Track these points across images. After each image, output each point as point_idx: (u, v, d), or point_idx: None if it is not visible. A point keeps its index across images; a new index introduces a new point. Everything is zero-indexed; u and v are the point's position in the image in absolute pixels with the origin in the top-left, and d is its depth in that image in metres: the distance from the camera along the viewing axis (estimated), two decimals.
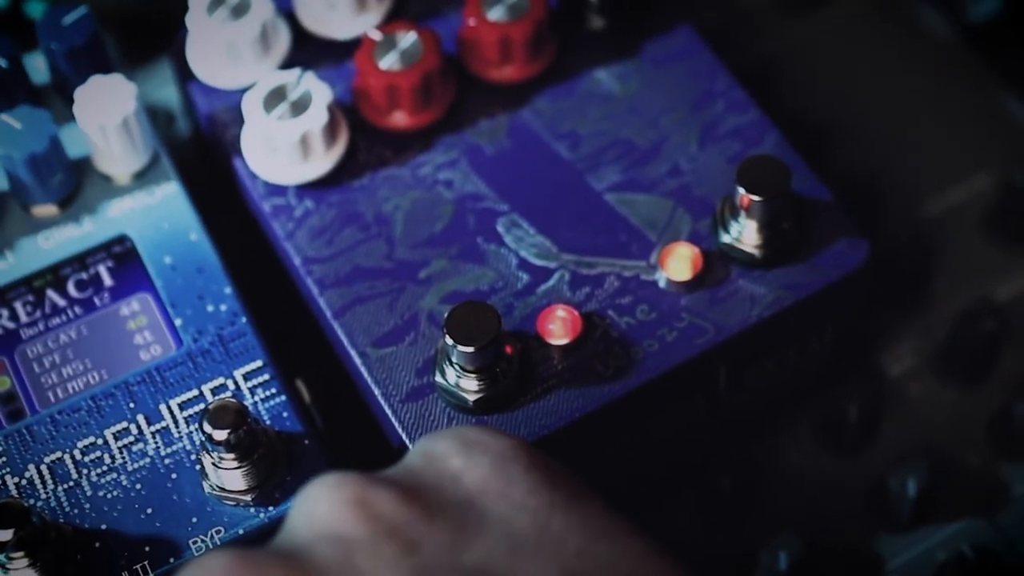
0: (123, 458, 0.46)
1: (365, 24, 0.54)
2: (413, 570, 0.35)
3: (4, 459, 0.46)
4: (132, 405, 0.47)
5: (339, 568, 0.35)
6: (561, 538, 0.36)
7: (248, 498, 0.45)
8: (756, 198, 0.47)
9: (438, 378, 0.46)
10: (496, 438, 0.39)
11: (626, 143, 0.52)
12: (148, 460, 0.46)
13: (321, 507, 0.37)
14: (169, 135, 0.60)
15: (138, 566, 0.44)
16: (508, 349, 0.46)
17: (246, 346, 0.48)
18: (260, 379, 0.48)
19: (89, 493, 0.46)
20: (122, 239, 0.51)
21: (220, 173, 0.54)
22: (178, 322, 0.49)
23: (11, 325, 0.49)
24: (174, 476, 0.46)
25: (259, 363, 0.48)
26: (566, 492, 0.38)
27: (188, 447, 0.46)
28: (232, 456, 0.44)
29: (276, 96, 0.50)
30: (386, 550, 0.36)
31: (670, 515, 0.52)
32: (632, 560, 0.36)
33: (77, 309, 0.49)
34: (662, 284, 0.49)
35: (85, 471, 0.46)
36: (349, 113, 0.52)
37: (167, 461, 0.46)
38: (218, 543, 0.44)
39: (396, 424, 0.46)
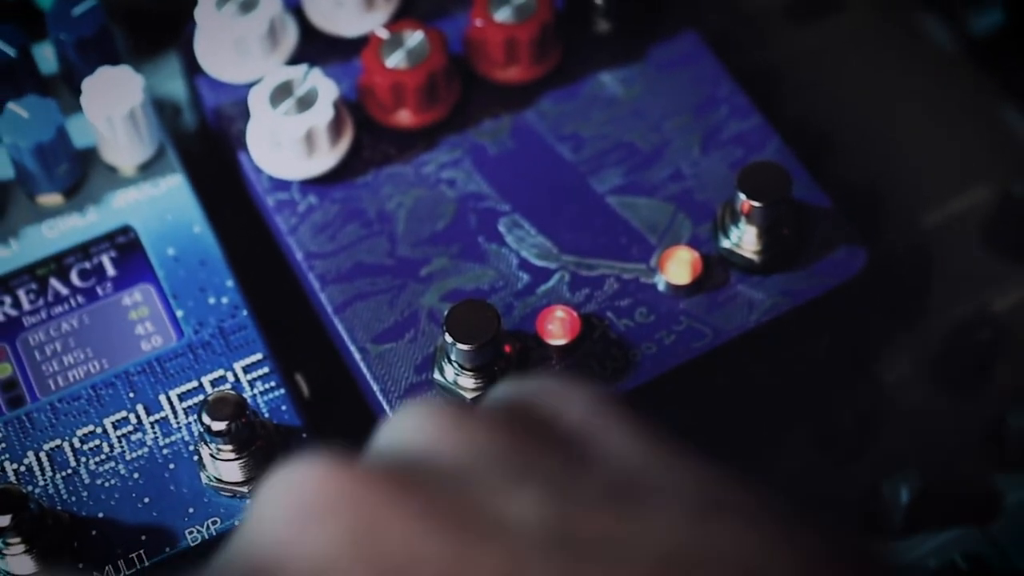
0: (122, 447, 0.46)
1: (373, 22, 0.54)
2: (535, 488, 0.32)
3: (3, 445, 0.46)
4: (132, 395, 0.47)
5: (450, 484, 0.32)
6: (677, 473, 0.33)
7: (245, 490, 0.45)
8: (756, 204, 0.47)
9: (436, 375, 0.46)
10: (585, 383, 0.36)
11: (629, 146, 0.52)
12: (146, 450, 0.46)
13: (422, 435, 0.33)
14: (175, 128, 0.60)
15: (134, 554, 0.44)
16: (507, 348, 0.46)
17: (247, 339, 0.48)
18: (260, 372, 0.48)
19: (87, 481, 0.46)
20: (126, 230, 0.51)
21: (225, 167, 0.54)
22: (179, 313, 0.49)
23: (14, 312, 0.49)
24: (172, 466, 0.46)
25: (259, 356, 0.48)
26: (662, 438, 0.35)
27: (186, 438, 0.46)
28: (230, 447, 0.44)
29: (283, 91, 0.50)
30: (503, 473, 0.32)
31: None
32: (746, 491, 0.33)
33: (80, 298, 0.49)
34: (661, 287, 0.49)
35: (84, 459, 0.46)
36: (355, 110, 0.52)
37: (165, 451, 0.46)
38: (214, 534, 0.44)
39: None
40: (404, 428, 0.34)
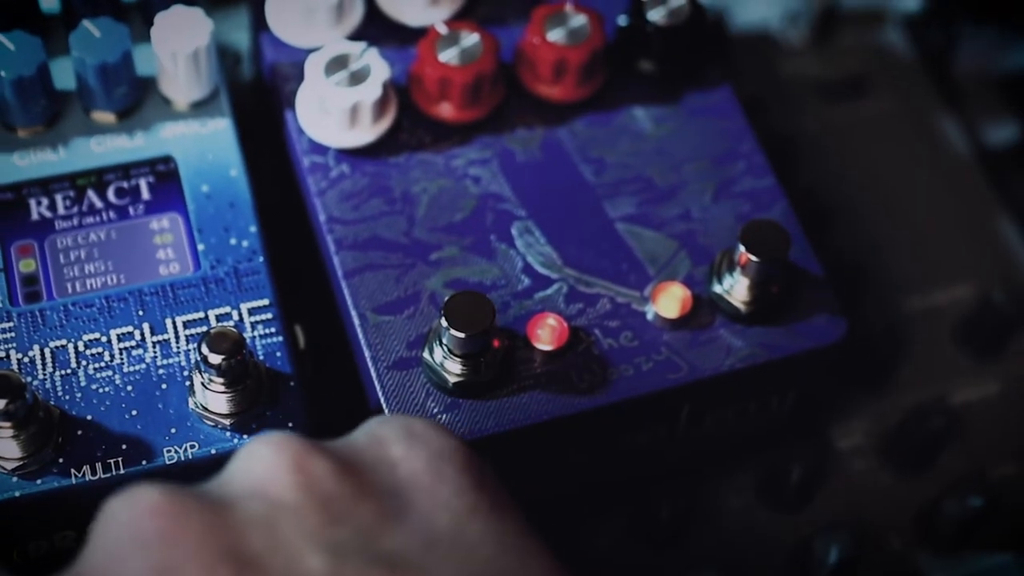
0: (121, 359, 0.46)
1: (435, 16, 0.54)
2: (329, 543, 0.35)
3: (13, 335, 0.46)
4: (141, 313, 0.47)
5: (260, 525, 0.35)
6: (475, 543, 0.36)
7: (227, 422, 0.45)
8: (754, 258, 0.47)
9: (426, 355, 0.47)
10: (440, 436, 0.38)
11: (647, 180, 0.52)
12: (144, 366, 0.46)
13: (259, 464, 0.36)
14: (232, 76, 0.60)
15: (112, 460, 0.44)
16: (496, 343, 0.46)
17: (257, 284, 0.48)
18: (263, 317, 0.48)
19: (83, 384, 0.46)
20: (167, 159, 0.51)
21: (271, 121, 0.54)
22: (201, 247, 0.49)
23: (48, 214, 0.49)
24: (164, 386, 0.46)
25: (266, 301, 0.48)
26: (491, 500, 0.37)
27: (183, 363, 0.46)
28: (221, 381, 0.44)
29: (338, 63, 0.50)
30: (310, 519, 0.35)
31: (599, 532, 0.52)
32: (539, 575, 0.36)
33: (111, 214, 0.50)
34: (650, 317, 0.49)
35: (84, 363, 0.46)
36: (401, 94, 0.53)
37: (161, 371, 0.46)
38: (191, 457, 0.45)
39: (378, 387, 0.47)
40: (255, 456, 0.37)
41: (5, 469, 0.43)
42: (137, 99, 0.52)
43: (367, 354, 0.47)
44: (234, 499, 0.36)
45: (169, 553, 0.34)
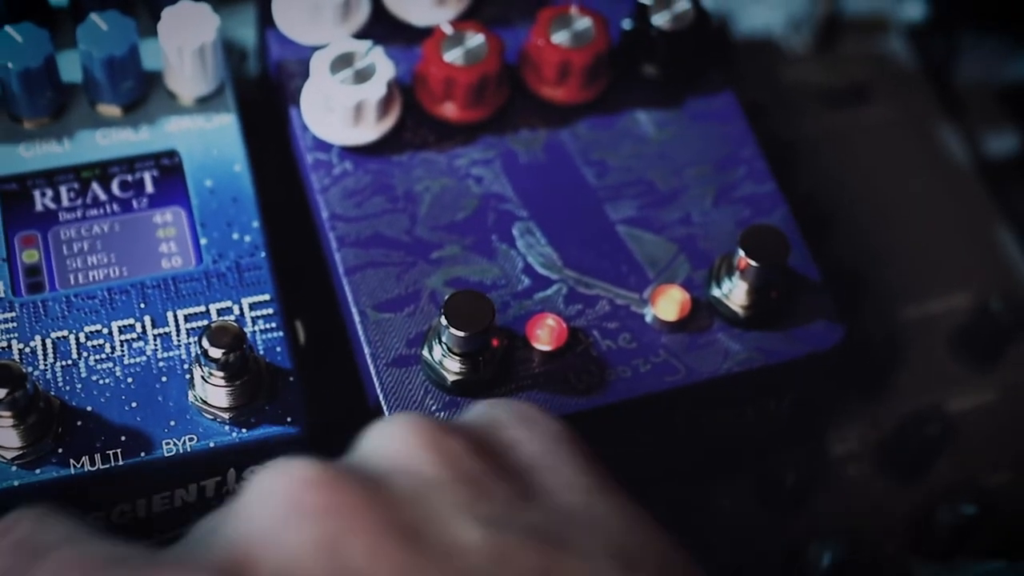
0: (122, 351, 0.46)
1: (441, 16, 0.54)
2: (482, 516, 0.35)
3: (15, 325, 0.46)
4: (143, 305, 0.47)
5: (413, 500, 0.35)
6: (604, 519, 0.36)
7: (226, 416, 0.45)
8: (753, 263, 0.47)
9: (425, 353, 0.47)
10: (549, 419, 0.39)
11: (648, 184, 0.52)
12: (144, 359, 0.46)
13: (395, 443, 0.36)
14: (238, 71, 0.60)
15: (111, 452, 0.44)
16: (494, 342, 0.46)
17: (259, 279, 0.48)
18: (264, 312, 0.48)
19: (84, 375, 0.46)
20: (172, 153, 0.51)
21: (276, 117, 0.54)
22: (203, 241, 0.49)
23: (52, 205, 0.49)
24: (164, 379, 0.46)
25: (267, 297, 0.48)
26: (606, 480, 0.37)
27: (183, 356, 0.46)
28: (221, 374, 0.44)
29: (344, 61, 0.50)
30: (459, 494, 0.35)
31: None
32: (666, 550, 0.36)
33: (115, 206, 0.50)
34: (648, 319, 0.49)
35: (85, 354, 0.46)
36: (406, 93, 0.53)
37: (161, 364, 0.46)
38: (189, 450, 0.45)
39: (377, 384, 0.47)
40: (388, 436, 0.37)
41: (4, 458, 0.43)
42: (143, 93, 0.52)
43: (367, 351, 0.47)
44: (381, 474, 0.36)
45: (334, 525, 0.34)
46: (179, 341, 0.47)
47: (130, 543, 0.36)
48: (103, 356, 0.46)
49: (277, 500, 0.34)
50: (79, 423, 0.45)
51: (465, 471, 0.36)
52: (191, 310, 0.47)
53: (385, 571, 0.33)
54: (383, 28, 0.54)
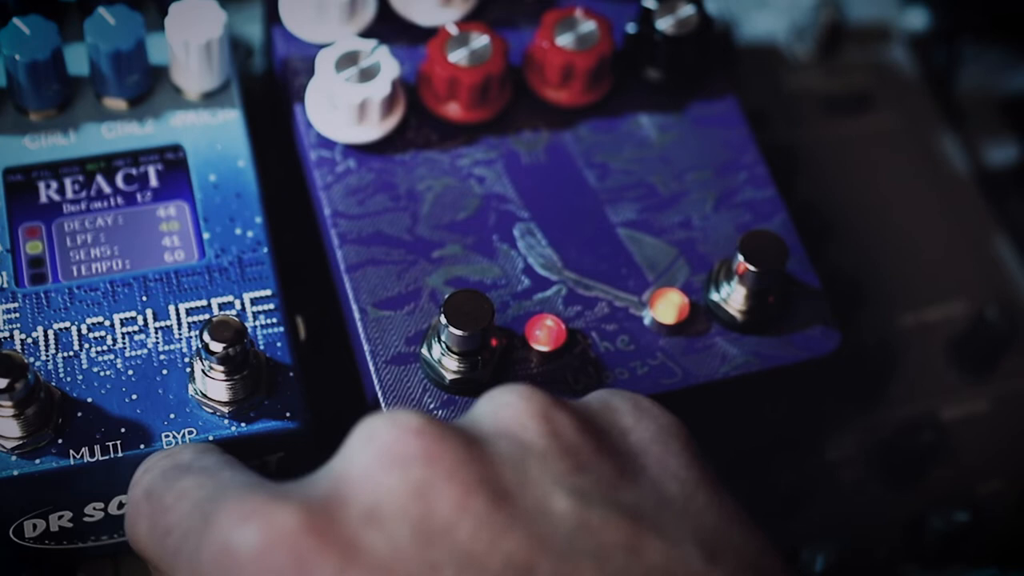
0: (124, 343, 0.46)
1: (446, 17, 0.54)
2: (575, 488, 0.36)
3: (18, 315, 0.46)
4: (145, 298, 0.47)
5: (511, 463, 0.36)
6: (701, 512, 0.37)
7: (225, 410, 0.45)
8: (752, 268, 0.47)
9: (424, 351, 0.47)
10: (664, 413, 0.40)
11: (649, 187, 0.52)
12: (145, 351, 0.46)
13: (507, 410, 0.38)
14: (244, 67, 0.60)
15: (111, 443, 0.44)
16: (493, 341, 0.46)
17: (261, 274, 0.48)
18: (265, 307, 0.48)
19: (85, 366, 0.46)
20: (176, 148, 0.51)
21: (280, 114, 0.54)
22: (206, 236, 0.49)
23: (56, 197, 0.49)
24: (165, 372, 0.46)
25: (268, 292, 0.48)
26: (710, 476, 0.39)
27: (184, 349, 0.46)
28: (222, 368, 0.44)
29: (349, 59, 0.51)
30: (557, 464, 0.37)
31: None
32: (755, 551, 0.37)
33: (119, 199, 0.50)
34: (647, 322, 0.49)
35: (87, 346, 0.46)
36: (410, 92, 0.53)
37: (162, 357, 0.46)
38: (187, 443, 0.45)
39: (375, 381, 0.47)
40: (502, 402, 0.39)
41: (4, 448, 0.43)
42: (149, 87, 0.52)
43: (366, 348, 0.47)
44: (486, 436, 0.37)
45: (428, 472, 0.35)
46: (180, 335, 0.47)
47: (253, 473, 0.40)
48: (104, 348, 0.46)
49: (377, 444, 0.36)
50: (79, 414, 0.45)
51: (568, 444, 0.37)
52: (193, 304, 0.48)
53: (469, 524, 0.34)
54: (388, 27, 0.54)
